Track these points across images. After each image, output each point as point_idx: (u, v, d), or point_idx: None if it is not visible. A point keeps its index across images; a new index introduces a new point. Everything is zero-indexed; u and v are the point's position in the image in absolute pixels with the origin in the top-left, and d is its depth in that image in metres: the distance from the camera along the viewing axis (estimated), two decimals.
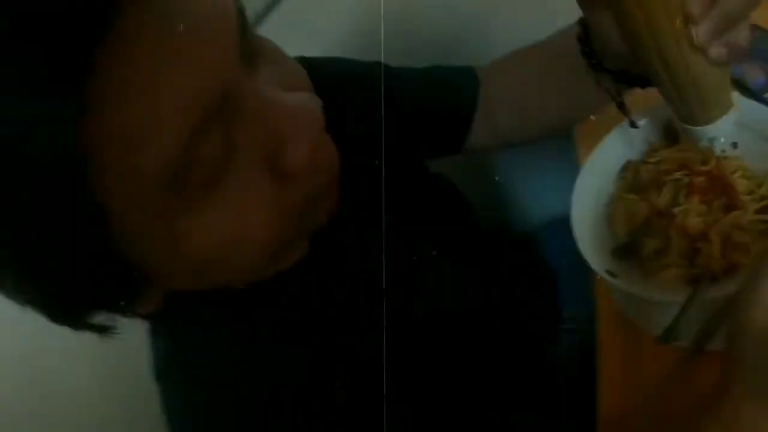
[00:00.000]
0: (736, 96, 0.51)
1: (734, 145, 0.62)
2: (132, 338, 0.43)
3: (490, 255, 0.80)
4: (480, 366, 0.65)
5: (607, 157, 0.66)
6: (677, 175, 0.61)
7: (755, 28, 0.78)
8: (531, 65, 0.72)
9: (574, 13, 0.56)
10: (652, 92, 0.53)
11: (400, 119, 0.59)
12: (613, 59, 0.57)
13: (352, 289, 0.54)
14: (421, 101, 0.70)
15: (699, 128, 0.51)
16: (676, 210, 0.59)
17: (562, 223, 0.62)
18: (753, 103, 0.62)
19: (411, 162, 0.71)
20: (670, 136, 0.64)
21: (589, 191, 0.65)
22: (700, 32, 0.39)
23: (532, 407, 0.71)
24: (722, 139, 0.54)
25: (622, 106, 0.63)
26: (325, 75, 0.50)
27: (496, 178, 1.18)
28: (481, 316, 0.68)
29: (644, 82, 0.59)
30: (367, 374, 0.49)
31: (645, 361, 0.64)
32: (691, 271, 0.57)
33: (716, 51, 0.41)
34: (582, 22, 0.59)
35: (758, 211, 0.57)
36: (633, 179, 0.64)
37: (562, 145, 0.84)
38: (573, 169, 0.67)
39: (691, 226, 0.57)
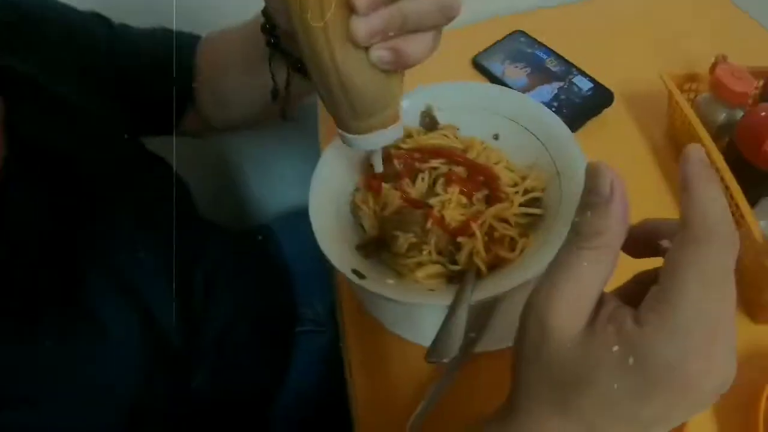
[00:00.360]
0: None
1: (495, 136, 0.54)
2: None
3: (211, 246, 0.65)
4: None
5: None
6: (435, 163, 0.50)
7: (520, 33, 0.77)
8: (233, 44, 0.59)
9: None
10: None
11: (113, 85, 0.55)
12: (290, 42, 0.49)
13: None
14: (139, 68, 0.59)
15: (351, 136, 0.40)
16: (433, 201, 0.47)
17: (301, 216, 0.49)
18: (511, 93, 0.54)
19: (124, 135, 0.56)
20: (427, 122, 0.54)
21: (332, 179, 0.50)
22: (359, 28, 0.32)
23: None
24: (380, 152, 0.45)
25: (275, 94, 0.53)
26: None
27: (228, 165, 1.02)
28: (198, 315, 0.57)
29: None
30: None
31: (397, 363, 0.51)
32: (450, 268, 0.46)
33: (378, 54, 0.34)
34: None
35: (522, 205, 0.48)
36: (384, 166, 0.50)
37: (308, 131, 0.72)
38: (316, 156, 0.52)
39: (451, 219, 0.45)
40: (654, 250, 0.29)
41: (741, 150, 0.52)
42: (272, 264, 0.79)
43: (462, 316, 0.38)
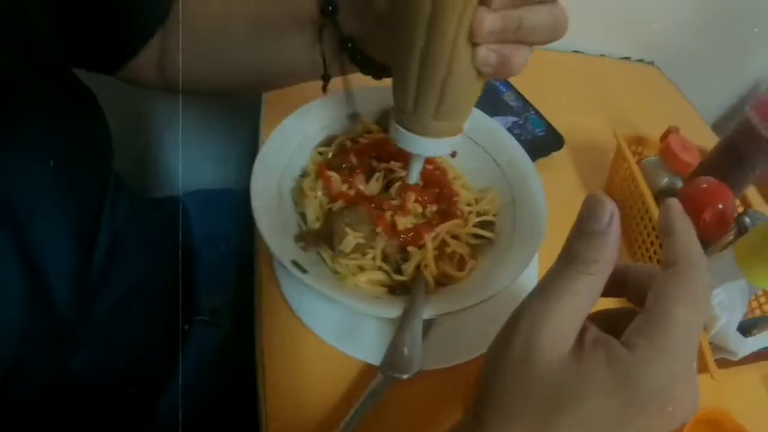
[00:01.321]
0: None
1: (453, 154, 0.52)
2: None
3: (119, 204, 0.56)
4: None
5: (303, 127, 0.50)
6: (393, 165, 0.46)
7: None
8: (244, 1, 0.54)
9: None
10: None
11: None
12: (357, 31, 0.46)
13: None
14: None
15: (416, 137, 0.37)
16: (387, 203, 0.43)
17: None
18: (479, 114, 0.53)
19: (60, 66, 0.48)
20: (385, 122, 0.51)
21: (278, 160, 0.46)
22: (484, 22, 0.31)
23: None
24: (422, 161, 0.42)
25: (326, 79, 0.49)
26: None
27: (151, 123, 0.93)
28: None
29: (380, 72, 0.47)
30: None
31: (317, 368, 0.46)
32: (394, 278, 0.43)
33: (485, 54, 0.33)
34: None
35: (476, 226, 0.47)
36: (337, 157, 0.47)
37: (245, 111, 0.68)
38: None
39: (402, 226, 0.42)
40: (619, 291, 0.30)
41: None
42: (177, 242, 0.71)
43: (419, 329, 0.35)
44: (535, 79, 0.78)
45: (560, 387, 0.26)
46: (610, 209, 0.27)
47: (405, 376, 0.34)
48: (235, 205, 0.80)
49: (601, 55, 0.95)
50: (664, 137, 0.61)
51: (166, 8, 0.54)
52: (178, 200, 0.77)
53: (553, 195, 0.48)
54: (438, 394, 0.44)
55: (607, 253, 0.26)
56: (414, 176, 0.42)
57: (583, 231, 0.27)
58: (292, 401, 0.43)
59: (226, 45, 0.54)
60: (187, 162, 0.98)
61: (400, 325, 0.36)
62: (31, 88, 0.43)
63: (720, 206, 0.50)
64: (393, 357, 0.34)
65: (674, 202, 0.29)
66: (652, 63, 0.97)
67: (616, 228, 0.27)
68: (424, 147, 0.38)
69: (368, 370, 0.44)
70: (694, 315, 0.25)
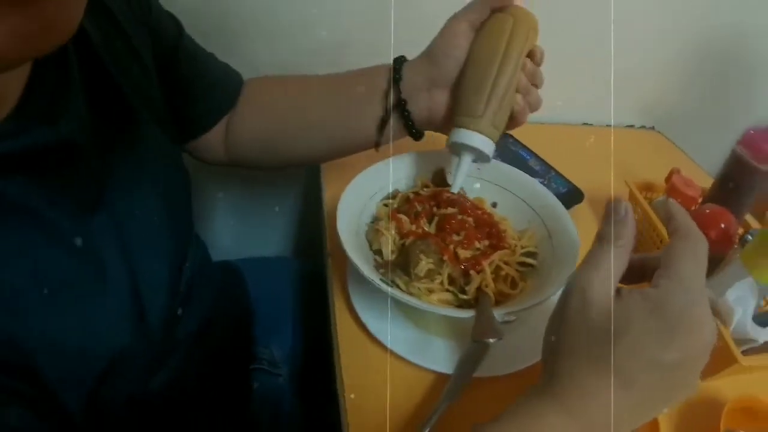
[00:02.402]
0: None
1: (494, 204, 0.63)
2: None
3: (193, 251, 0.62)
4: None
5: (370, 184, 0.61)
6: (449, 210, 0.57)
7: (509, 136, 0.90)
8: (311, 89, 0.67)
9: None
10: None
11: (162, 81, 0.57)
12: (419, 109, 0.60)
13: None
14: (192, 76, 0.63)
15: (474, 134, 0.55)
16: (450, 238, 0.55)
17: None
18: (513, 170, 0.64)
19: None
20: (438, 180, 0.63)
21: (354, 207, 0.58)
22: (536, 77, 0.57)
23: None
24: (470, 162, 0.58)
25: (380, 143, 0.63)
26: None
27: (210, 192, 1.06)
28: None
29: (420, 135, 0.62)
30: None
31: (397, 386, 0.53)
32: (460, 297, 0.53)
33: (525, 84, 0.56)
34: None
35: (522, 255, 0.57)
36: (403, 206, 0.60)
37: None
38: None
39: (463, 255, 0.54)
40: (640, 278, 0.41)
41: None
42: (234, 295, 0.81)
43: (493, 316, 0.46)
44: (555, 148, 0.91)
45: (610, 321, 0.34)
46: (624, 205, 0.39)
47: (493, 340, 0.44)
48: (286, 270, 0.91)
49: (606, 125, 1.08)
50: (669, 178, 0.71)
51: (238, 89, 0.66)
52: (232, 264, 0.86)
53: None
54: (499, 397, 0.52)
55: (629, 232, 0.38)
56: (459, 182, 0.57)
57: (609, 220, 0.38)
58: (375, 416, 0.50)
59: (302, 121, 0.65)
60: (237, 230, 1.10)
61: (477, 319, 0.46)
62: (151, 133, 0.52)
63: (722, 225, 0.60)
64: (480, 327, 0.45)
65: (673, 202, 0.40)
66: (653, 128, 1.11)
67: (630, 217, 0.38)
68: (481, 142, 0.55)
69: (440, 379, 0.52)
70: (697, 263, 0.36)
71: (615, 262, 0.37)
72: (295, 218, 1.14)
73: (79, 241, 0.41)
